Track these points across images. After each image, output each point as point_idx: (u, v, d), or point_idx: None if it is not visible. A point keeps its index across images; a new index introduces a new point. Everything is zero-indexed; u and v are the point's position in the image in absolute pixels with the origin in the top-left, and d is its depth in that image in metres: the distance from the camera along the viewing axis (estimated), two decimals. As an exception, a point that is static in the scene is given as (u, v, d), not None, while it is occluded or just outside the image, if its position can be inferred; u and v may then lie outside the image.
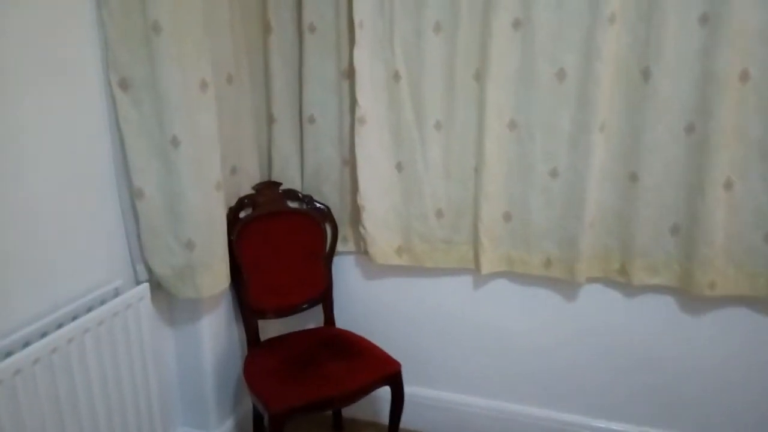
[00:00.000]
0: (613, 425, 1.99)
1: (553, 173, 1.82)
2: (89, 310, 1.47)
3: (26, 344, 1.29)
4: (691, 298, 1.79)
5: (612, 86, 1.70)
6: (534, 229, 1.89)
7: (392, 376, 1.87)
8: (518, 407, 2.10)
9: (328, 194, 2.12)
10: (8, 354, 1.24)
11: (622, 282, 1.84)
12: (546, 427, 2.06)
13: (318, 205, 2.12)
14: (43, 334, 1.33)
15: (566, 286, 1.93)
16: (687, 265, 1.74)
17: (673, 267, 1.77)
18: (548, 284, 1.96)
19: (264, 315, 2.04)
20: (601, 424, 2.00)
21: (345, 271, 2.21)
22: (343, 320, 2.21)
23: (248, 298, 1.98)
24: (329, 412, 2.30)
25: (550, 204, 1.85)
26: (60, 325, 1.38)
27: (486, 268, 1.94)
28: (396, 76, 1.88)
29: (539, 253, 1.90)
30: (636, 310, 1.87)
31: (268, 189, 2.07)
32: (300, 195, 2.12)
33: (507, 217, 1.92)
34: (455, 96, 1.86)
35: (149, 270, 1.70)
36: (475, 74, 1.82)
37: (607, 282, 1.89)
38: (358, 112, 1.90)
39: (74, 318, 1.43)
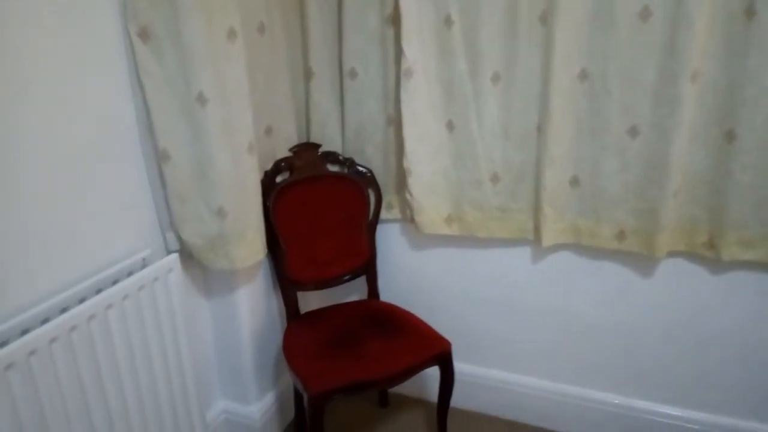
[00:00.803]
0: (686, 412, 1.78)
1: (632, 132, 1.57)
2: (114, 282, 1.36)
3: (45, 320, 1.19)
4: (793, 277, 1.53)
5: (707, 27, 1.42)
6: (606, 197, 1.65)
7: (442, 356, 1.71)
8: (578, 390, 1.91)
9: (371, 156, 1.94)
10: (24, 332, 1.14)
11: (709, 257, 1.60)
12: (607, 412, 1.87)
13: (360, 168, 1.94)
14: (64, 310, 1.23)
15: (641, 260, 1.70)
16: (792, 239, 1.48)
17: (773, 241, 1.51)
18: (619, 258, 1.73)
19: (303, 286, 1.90)
20: (673, 410, 1.80)
21: (390, 241, 2.04)
22: (387, 293, 2.06)
23: (286, 268, 1.85)
24: (373, 388, 2.18)
25: (627, 168, 1.60)
26: (82, 299, 1.28)
27: (548, 239, 1.73)
28: (448, 21, 1.65)
29: (611, 224, 1.67)
30: (724, 289, 1.63)
31: (307, 151, 1.91)
32: (341, 158, 1.94)
33: (574, 182, 1.69)
34: (517, 43, 1.62)
35: (179, 239, 1.58)
36: (541, 16, 1.57)
37: (690, 257, 1.65)
38: (405, 64, 1.69)
39: (98, 291, 1.32)
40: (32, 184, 1.21)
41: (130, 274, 1.41)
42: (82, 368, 1.23)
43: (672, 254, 1.65)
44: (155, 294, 1.42)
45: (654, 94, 1.51)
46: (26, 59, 1.18)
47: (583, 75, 1.58)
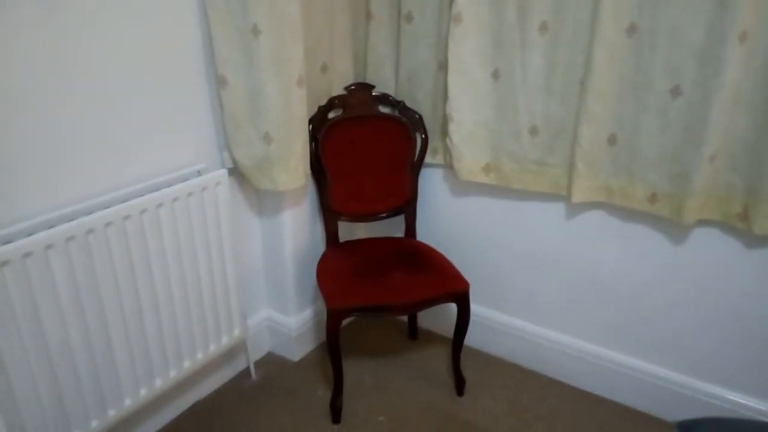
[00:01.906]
0: (697, 383, 1.76)
1: (675, 92, 1.53)
2: (169, 185, 1.58)
3: (105, 208, 1.42)
4: (831, 259, 1.45)
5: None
6: (642, 158, 1.63)
7: (459, 294, 1.81)
8: (596, 348, 1.94)
9: (422, 101, 2.02)
10: (87, 214, 1.39)
11: (742, 229, 1.54)
12: (621, 373, 1.89)
13: (410, 112, 2.03)
14: (124, 201, 1.47)
15: (673, 226, 1.67)
16: (831, 218, 1.39)
17: (811, 219, 1.43)
18: (652, 222, 1.71)
19: (343, 217, 2.06)
20: (683, 379, 1.78)
21: (432, 184, 2.13)
22: (424, 233, 2.16)
23: (329, 199, 2.01)
24: (405, 320, 2.33)
25: (666, 129, 1.57)
26: (141, 195, 1.51)
27: (578, 196, 1.74)
28: (500, -32, 1.66)
29: (645, 186, 1.65)
30: (755, 264, 1.57)
31: (361, 91, 2.02)
32: (393, 100, 2.04)
33: (612, 140, 1.67)
34: (566, -8, 1.60)
35: (233, 159, 1.78)
36: (591, -34, 1.55)
37: (724, 227, 1.59)
38: (455, 9, 1.74)
39: (154, 191, 1.54)
40: (114, 94, 1.43)
41: (185, 181, 1.63)
42: (133, 254, 1.47)
43: (704, 223, 1.61)
44: (204, 202, 1.63)
45: (700, 53, 1.45)
46: (106, -15, 1.38)
47: (631, 29, 1.55)
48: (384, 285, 1.81)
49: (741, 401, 1.69)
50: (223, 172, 1.69)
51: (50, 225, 1.31)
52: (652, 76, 1.55)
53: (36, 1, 1.24)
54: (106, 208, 1.41)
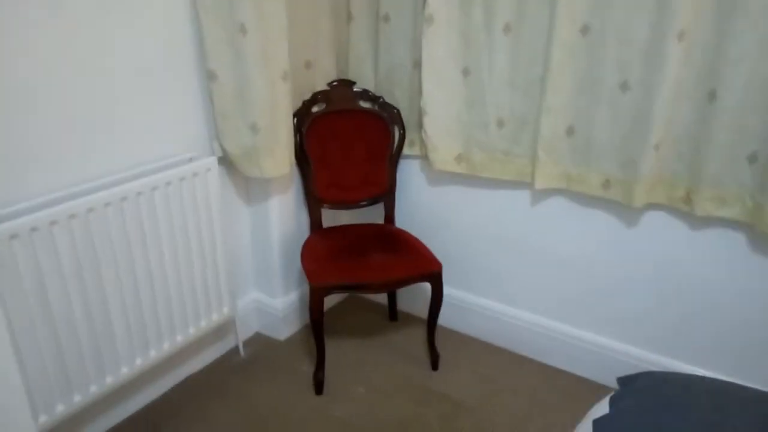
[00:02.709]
0: (654, 356, 1.91)
1: (624, 86, 1.68)
2: (163, 171, 1.72)
3: (102, 189, 1.56)
4: (761, 236, 1.60)
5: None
6: (596, 147, 1.78)
7: (432, 274, 1.96)
8: (557, 324, 2.09)
9: (400, 97, 2.17)
10: (88, 193, 1.52)
11: (686, 211, 1.70)
12: (582, 348, 2.04)
13: (389, 106, 2.17)
14: (120, 183, 1.61)
15: (625, 210, 1.82)
16: (761, 199, 1.55)
17: (744, 200, 1.59)
18: (607, 207, 1.86)
19: (326, 204, 2.20)
20: (639, 352, 1.94)
21: (409, 174, 2.28)
22: (402, 220, 2.31)
23: (313, 187, 2.15)
24: (386, 303, 2.47)
25: (616, 120, 1.72)
26: (135, 179, 1.65)
27: (541, 183, 1.89)
28: (467, -27, 1.81)
29: (599, 173, 1.81)
30: (697, 242, 1.73)
31: (342, 87, 2.17)
32: (372, 95, 2.18)
33: (570, 131, 1.83)
34: (527, -4, 1.76)
35: (222, 148, 1.92)
36: (548, -28, 1.70)
37: (670, 210, 1.75)
38: (427, 11, 1.88)
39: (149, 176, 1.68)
40: (112, 86, 1.57)
41: (176, 167, 1.76)
42: (130, 233, 1.61)
43: (653, 207, 1.77)
44: (195, 188, 1.77)
45: (645, 51, 1.61)
46: (106, -13, 1.52)
47: (585, 29, 1.70)
48: (363, 265, 1.96)
49: (690, 371, 1.85)
50: (213, 159, 1.83)
51: (53, 204, 1.45)
52: (603, 72, 1.70)
53: (40, 2, 1.38)
54: (104, 189, 1.55)
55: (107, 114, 1.60)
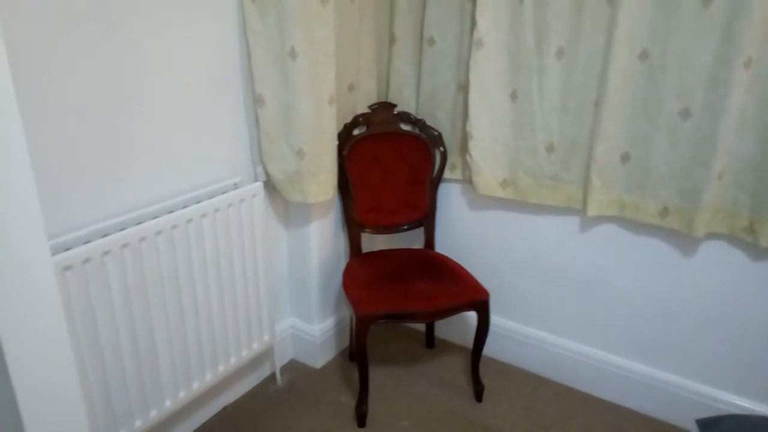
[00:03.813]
0: (712, 391, 1.84)
1: (684, 114, 1.64)
2: (210, 197, 1.68)
3: (154, 218, 1.52)
4: (832, 270, 1.55)
5: (766, 15, 1.45)
6: (653, 174, 1.74)
7: (480, 303, 1.90)
8: (608, 356, 2.02)
9: (442, 120, 2.13)
10: (138, 223, 1.48)
11: (749, 242, 1.64)
12: (633, 380, 1.97)
13: (430, 129, 2.14)
14: (170, 211, 1.57)
15: (683, 239, 1.77)
16: (832, 232, 1.50)
17: (813, 232, 1.54)
18: (662, 235, 1.81)
19: (366, 229, 2.16)
20: (697, 386, 1.87)
21: (450, 198, 2.23)
22: (442, 245, 2.26)
23: (353, 211, 2.11)
24: (423, 330, 2.41)
25: (676, 148, 1.67)
26: (184, 206, 1.61)
27: (593, 210, 1.84)
28: (520, -2, 1.78)
29: (656, 201, 1.76)
30: (760, 274, 1.67)
31: (384, 109, 2.13)
32: (414, 118, 2.15)
33: (625, 158, 1.78)
34: (582, 21, 1.72)
35: (266, 172, 1.88)
36: (606, -3, 1.67)
37: (731, 240, 1.70)
38: (476, 35, 1.85)
39: (197, 202, 1.64)
40: (148, 110, 1.53)
41: (223, 193, 1.72)
42: (178, 260, 1.56)
43: (712, 236, 1.71)
44: (241, 213, 1.73)
45: (708, 78, 1.57)
46: (158, 12, 1.49)
47: (643, 55, 1.66)
48: (408, 293, 1.90)
49: (748, 405, 1.78)
50: (259, 184, 1.79)
51: (104, 233, 1.41)
52: (662, 97, 1.66)
53: (94, 24, 1.35)
54: (155, 217, 1.51)
55: (154, 138, 1.56)
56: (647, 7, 1.61)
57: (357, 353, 1.86)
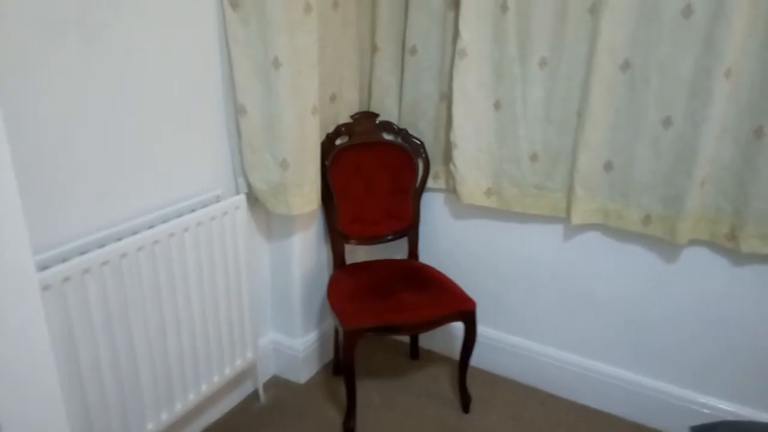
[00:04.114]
0: (694, 395, 1.87)
1: (666, 122, 1.67)
2: (192, 211, 1.62)
3: (134, 233, 1.46)
4: (811, 274, 1.59)
5: (745, 27, 1.49)
6: (636, 182, 1.76)
7: (466, 313, 1.89)
8: (597, 364, 2.03)
9: (424, 129, 2.12)
10: (118, 239, 1.42)
11: (730, 248, 1.68)
12: (623, 388, 1.99)
13: (413, 139, 2.12)
14: (150, 226, 1.51)
15: (665, 246, 1.79)
16: (811, 237, 1.54)
17: (793, 238, 1.58)
18: (645, 243, 1.83)
19: (350, 240, 2.12)
20: (681, 392, 1.89)
21: (433, 208, 2.22)
22: (426, 255, 2.24)
23: (337, 222, 2.07)
24: (407, 341, 2.38)
25: (658, 156, 1.70)
26: (165, 220, 1.55)
27: (577, 218, 1.86)
28: (504, 7, 1.79)
29: (639, 209, 1.78)
30: (742, 280, 1.70)
31: (366, 119, 2.11)
32: (396, 128, 2.13)
33: (608, 166, 1.80)
34: (565, 31, 1.74)
35: (248, 184, 1.83)
36: (590, 7, 1.69)
37: (713, 247, 1.73)
38: (460, 44, 1.85)
39: (178, 216, 1.59)
40: (126, 122, 1.47)
41: (204, 206, 1.67)
42: (160, 277, 1.50)
43: (694, 243, 1.74)
44: (224, 226, 1.68)
45: (689, 88, 1.60)
46: (135, 18, 1.44)
47: (625, 65, 1.69)
48: (395, 305, 1.88)
49: (733, 410, 1.81)
50: (242, 197, 1.74)
51: (82, 251, 1.34)
52: (644, 107, 1.69)
53: (73, 35, 1.29)
54: (135, 233, 1.45)
55: (134, 150, 1.50)
56: (629, 18, 1.64)
57: (344, 368, 1.82)
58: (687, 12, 1.55)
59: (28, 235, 0.78)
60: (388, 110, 2.15)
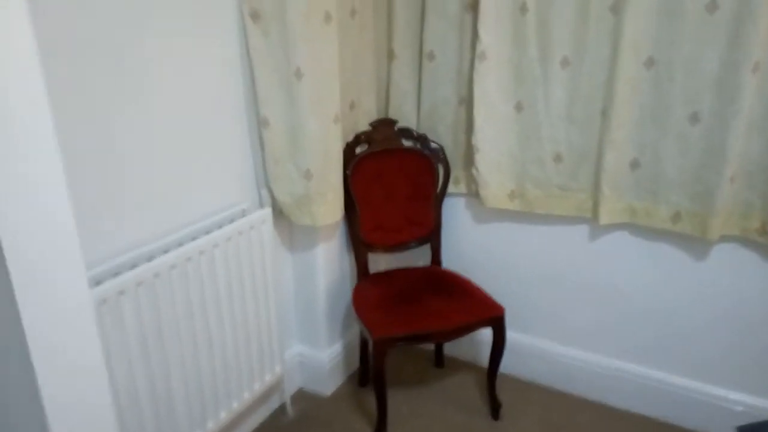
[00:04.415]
0: (731, 394, 1.85)
1: (693, 119, 1.65)
2: (219, 226, 1.60)
3: (165, 251, 1.44)
4: None
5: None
6: (664, 180, 1.74)
7: (495, 319, 1.87)
8: (624, 364, 2.01)
9: (443, 134, 2.10)
10: (150, 258, 1.40)
11: (762, 243, 1.66)
12: (652, 387, 1.97)
13: (432, 144, 2.11)
14: (180, 245, 1.48)
15: (695, 243, 1.78)
16: None
17: (827, 230, 1.56)
18: (674, 240, 1.81)
19: (373, 249, 2.10)
20: (717, 391, 1.87)
21: (455, 213, 2.20)
22: (449, 261, 2.22)
23: (359, 231, 2.05)
24: (431, 349, 2.36)
25: (686, 153, 1.69)
26: (194, 238, 1.53)
27: (605, 218, 1.84)
28: (523, 9, 1.78)
29: (667, 206, 1.76)
30: (776, 274, 1.69)
31: (384, 126, 2.09)
32: (415, 134, 2.11)
33: (634, 165, 1.78)
34: (587, 30, 1.73)
35: (271, 196, 1.81)
36: (612, 5, 1.67)
37: (743, 242, 1.71)
38: (479, 48, 1.84)
39: (207, 232, 1.57)
40: (151, 140, 1.45)
41: (231, 221, 1.65)
42: (191, 295, 1.48)
43: (724, 239, 1.73)
44: (251, 240, 1.66)
45: (716, 83, 1.59)
46: (158, 32, 1.42)
47: (650, 62, 1.68)
48: (423, 313, 1.86)
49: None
50: (268, 210, 1.72)
51: (115, 272, 1.32)
52: (670, 104, 1.68)
53: (98, 53, 1.28)
54: (166, 251, 1.43)
55: (161, 170, 1.48)
56: (652, 16, 1.63)
57: (374, 379, 1.80)
58: (712, 7, 1.54)
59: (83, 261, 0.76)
60: (406, 116, 2.14)
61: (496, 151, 1.96)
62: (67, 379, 0.78)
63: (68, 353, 0.77)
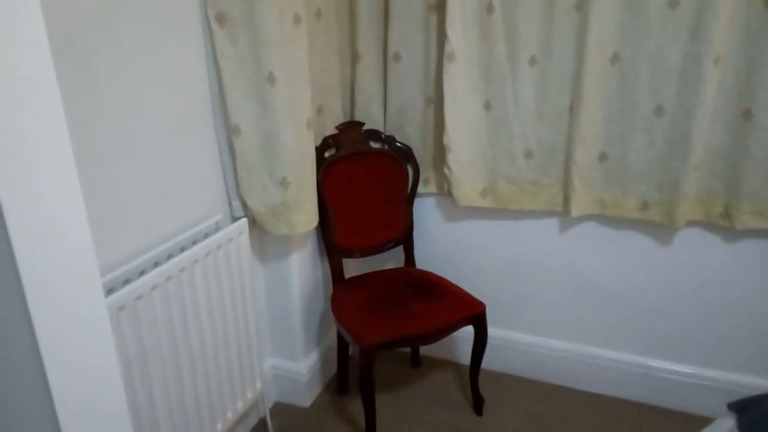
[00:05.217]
0: (702, 371, 1.94)
1: (659, 111, 1.72)
2: (194, 242, 1.52)
3: (142, 273, 1.35)
4: (802, 244, 1.69)
5: (730, 15, 1.56)
6: (631, 171, 1.81)
7: (477, 316, 1.88)
8: (602, 351, 2.08)
9: (411, 135, 2.09)
10: (126, 281, 1.30)
11: (724, 226, 1.75)
12: (631, 372, 2.04)
13: (400, 145, 2.09)
14: (155, 264, 1.39)
15: (661, 229, 1.86)
16: (801, 209, 1.63)
17: (784, 211, 1.67)
18: (642, 228, 1.89)
19: (349, 254, 2.06)
20: (689, 369, 1.96)
21: (426, 213, 2.20)
22: (422, 261, 2.22)
23: (333, 237, 2.01)
24: (407, 350, 2.35)
25: (652, 144, 1.76)
26: (169, 256, 1.44)
27: (576, 210, 1.89)
28: (489, 8, 1.79)
29: (635, 196, 1.83)
30: (737, 255, 1.79)
31: (352, 129, 2.06)
32: (382, 135, 2.09)
33: (602, 157, 1.84)
34: (553, 28, 1.76)
35: (244, 206, 1.74)
36: (576, 3, 1.72)
37: (707, 226, 1.80)
38: (448, 48, 1.84)
39: (182, 249, 1.48)
40: (116, 153, 1.35)
41: (206, 235, 1.57)
42: (173, 313, 1.39)
43: (689, 224, 1.81)
44: (229, 253, 1.58)
45: (679, 76, 1.66)
46: (116, 38, 1.33)
47: (615, 58, 1.73)
48: (406, 316, 1.84)
49: (741, 381, 1.89)
50: (244, 221, 1.65)
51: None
52: (636, 98, 1.74)
53: (61, 62, 1.17)
54: (142, 273, 1.33)
55: (132, 187, 1.38)
56: (616, 12, 1.68)
57: (362, 387, 1.77)
58: (673, 3, 1.61)
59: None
60: (373, 118, 2.11)
61: (467, 150, 1.96)
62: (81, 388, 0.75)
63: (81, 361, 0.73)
